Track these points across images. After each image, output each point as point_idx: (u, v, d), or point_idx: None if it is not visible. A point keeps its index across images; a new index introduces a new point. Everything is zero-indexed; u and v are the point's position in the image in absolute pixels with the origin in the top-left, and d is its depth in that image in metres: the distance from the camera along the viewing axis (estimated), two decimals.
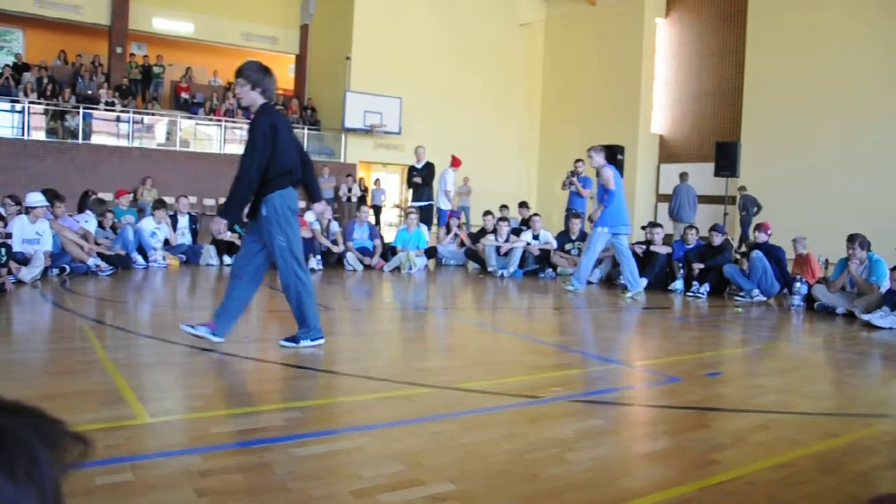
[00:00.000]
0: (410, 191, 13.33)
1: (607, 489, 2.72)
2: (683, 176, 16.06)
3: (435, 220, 13.39)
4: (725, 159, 15.20)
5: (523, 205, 13.79)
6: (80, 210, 9.92)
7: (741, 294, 9.02)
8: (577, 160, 12.52)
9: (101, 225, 9.71)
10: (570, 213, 11.94)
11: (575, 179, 12.24)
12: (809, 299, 8.43)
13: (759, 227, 9.45)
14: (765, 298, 8.89)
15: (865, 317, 7.40)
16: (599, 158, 8.75)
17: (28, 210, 7.98)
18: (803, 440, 3.45)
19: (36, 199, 8.03)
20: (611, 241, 8.87)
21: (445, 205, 13.13)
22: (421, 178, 12.69)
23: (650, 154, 22.14)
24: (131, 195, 11.49)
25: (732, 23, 20.22)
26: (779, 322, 7.79)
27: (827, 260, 10.10)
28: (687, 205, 15.87)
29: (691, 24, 21.48)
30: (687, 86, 21.50)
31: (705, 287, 9.22)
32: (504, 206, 14.31)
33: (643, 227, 10.47)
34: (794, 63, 18.22)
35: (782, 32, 18.52)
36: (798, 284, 8.50)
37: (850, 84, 17.19)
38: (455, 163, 13.57)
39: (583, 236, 11.15)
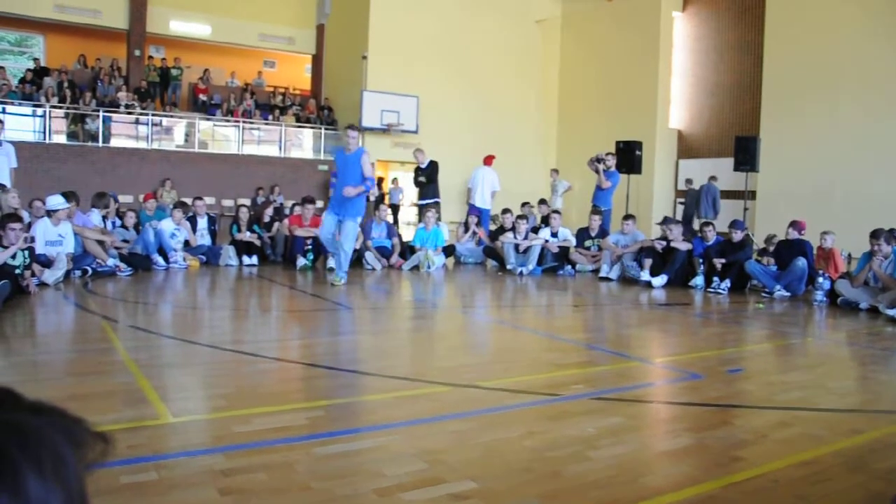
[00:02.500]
0: (417, 190, 13.39)
1: (629, 487, 2.71)
2: (712, 179, 16.13)
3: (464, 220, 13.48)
4: (745, 154, 15.03)
5: (543, 202, 13.76)
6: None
7: (766, 291, 8.92)
8: (608, 153, 12.49)
9: (123, 224, 9.81)
10: (592, 209, 11.87)
11: (600, 166, 12.15)
12: (832, 294, 8.33)
13: (793, 225, 9.25)
14: (788, 295, 8.80)
15: (890, 312, 7.29)
16: (355, 142, 8.94)
17: (50, 213, 8.07)
18: (828, 437, 3.41)
19: (56, 202, 8.12)
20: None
21: (488, 204, 13.19)
22: (425, 177, 12.74)
23: (668, 149, 21.96)
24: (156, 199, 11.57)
25: (750, 15, 20.00)
26: (801, 318, 7.71)
27: (850, 254, 9.97)
28: (705, 203, 15.86)
29: (708, 18, 21.29)
30: (705, 80, 21.31)
31: (726, 283, 9.13)
32: (508, 210, 14.24)
33: (659, 224, 10.38)
34: (814, 55, 17.98)
35: (801, 24, 18.29)
36: (821, 279, 8.40)
37: (871, 76, 16.94)
38: (488, 160, 13.61)
39: (602, 233, 11.10)
